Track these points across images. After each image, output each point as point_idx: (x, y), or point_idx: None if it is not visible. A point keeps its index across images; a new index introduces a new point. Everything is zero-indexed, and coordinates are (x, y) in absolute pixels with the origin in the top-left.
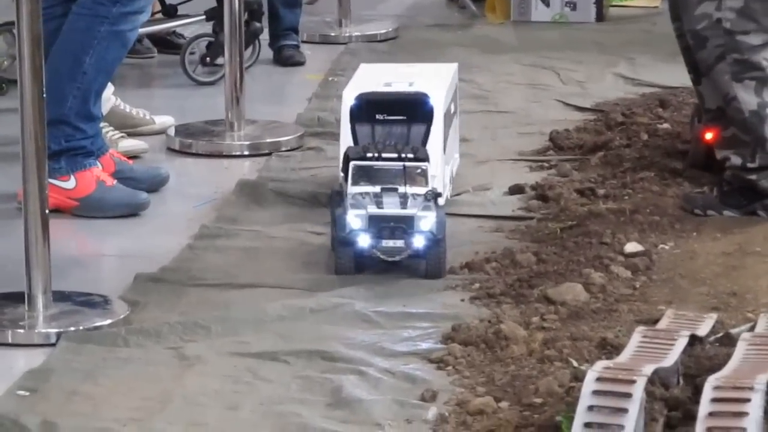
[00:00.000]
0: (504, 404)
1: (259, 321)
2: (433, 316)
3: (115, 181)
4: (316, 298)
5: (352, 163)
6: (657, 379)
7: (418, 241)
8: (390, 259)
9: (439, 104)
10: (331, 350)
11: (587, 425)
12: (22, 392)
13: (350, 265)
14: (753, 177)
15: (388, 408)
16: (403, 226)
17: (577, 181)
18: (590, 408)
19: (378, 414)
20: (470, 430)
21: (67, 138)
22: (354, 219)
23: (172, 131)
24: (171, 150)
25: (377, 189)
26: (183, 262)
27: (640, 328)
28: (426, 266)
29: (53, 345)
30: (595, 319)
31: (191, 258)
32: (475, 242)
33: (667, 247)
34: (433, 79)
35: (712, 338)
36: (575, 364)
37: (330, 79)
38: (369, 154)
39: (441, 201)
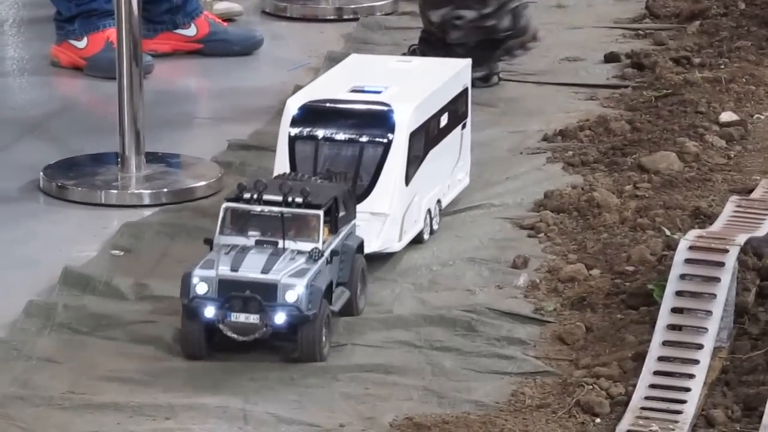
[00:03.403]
0: (595, 272)
1: None
2: (525, 183)
3: None
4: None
5: (223, 205)
6: (750, 248)
7: (279, 318)
8: (241, 338)
9: (404, 119)
10: None
11: (679, 294)
12: (115, 252)
13: (198, 343)
14: None
15: (478, 274)
16: (258, 296)
17: (673, 50)
18: (682, 277)
19: (469, 279)
20: (561, 297)
21: (78, 3)
22: (199, 282)
23: None
24: (265, 13)
25: (251, 242)
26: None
27: (734, 198)
28: (299, 345)
29: (146, 206)
30: (688, 188)
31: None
32: (570, 110)
33: (762, 117)
34: (419, 83)
35: None
36: (668, 232)
37: None
38: (246, 195)
39: (398, 246)
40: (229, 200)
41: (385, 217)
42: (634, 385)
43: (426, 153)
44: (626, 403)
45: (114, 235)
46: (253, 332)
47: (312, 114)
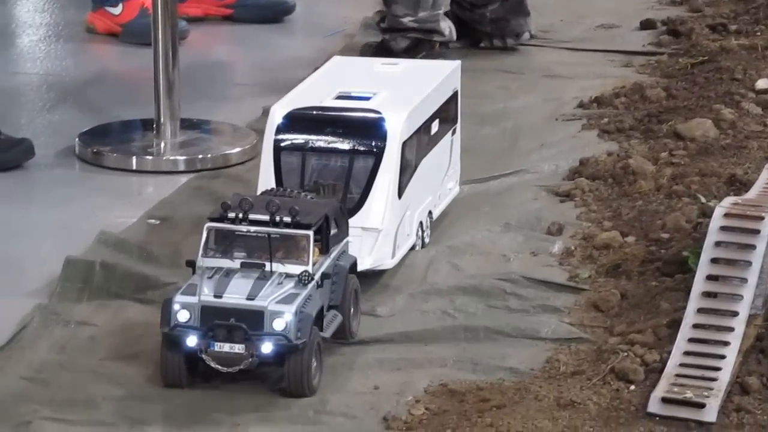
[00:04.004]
0: (630, 239)
1: None
2: (561, 150)
3: None
4: None
5: (206, 225)
6: None
7: (266, 347)
8: (225, 369)
9: (396, 128)
10: None
11: (714, 261)
12: (152, 221)
13: (178, 373)
14: None
15: (513, 240)
16: (243, 325)
17: (709, 17)
18: (717, 244)
19: (503, 246)
20: (596, 264)
21: None
22: (180, 310)
23: None
24: None
25: (236, 264)
26: None
27: None
28: (287, 376)
29: (181, 172)
30: (724, 155)
31: None
32: (605, 76)
33: None
34: (409, 88)
35: None
36: (703, 199)
37: None
38: (231, 214)
39: (391, 263)
40: (212, 220)
41: (378, 233)
42: (669, 352)
43: (418, 162)
44: (661, 370)
45: (151, 207)
46: (238, 363)
47: (298, 122)
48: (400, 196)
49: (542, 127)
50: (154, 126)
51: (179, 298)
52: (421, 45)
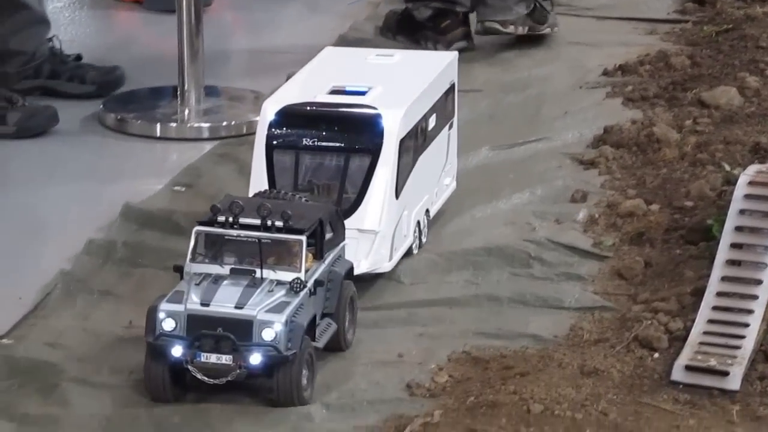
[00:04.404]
0: (654, 207)
1: None
2: (585, 118)
3: None
4: None
5: (195, 229)
6: None
7: (255, 358)
8: (212, 381)
9: (393, 125)
10: None
11: (738, 229)
12: (177, 188)
13: (162, 385)
14: None
15: (538, 208)
16: (231, 335)
17: None
18: (741, 212)
19: (528, 213)
20: (620, 232)
21: None
22: (165, 318)
23: None
24: None
25: (225, 270)
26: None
27: None
28: (276, 388)
29: (205, 139)
30: (748, 123)
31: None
32: (630, 44)
33: None
34: (405, 81)
35: None
36: (727, 168)
37: None
38: (220, 218)
39: (389, 265)
40: (201, 224)
41: (375, 235)
42: (693, 320)
43: (415, 160)
44: (685, 338)
45: (176, 174)
46: (226, 374)
47: (291, 119)
48: (397, 195)
49: (566, 94)
50: (178, 93)
51: (164, 306)
52: (444, 14)
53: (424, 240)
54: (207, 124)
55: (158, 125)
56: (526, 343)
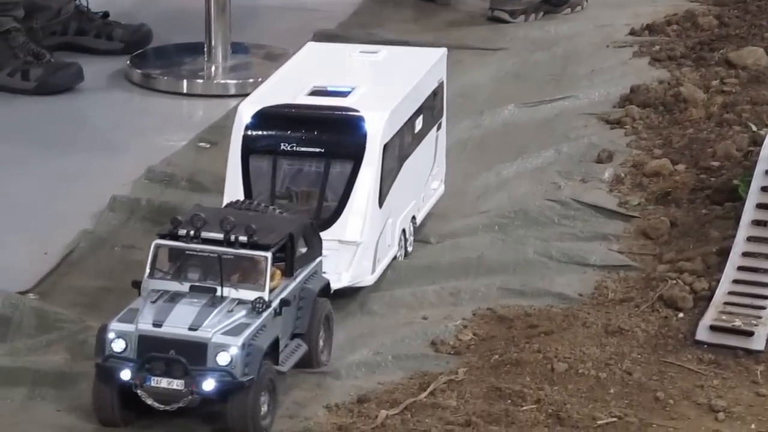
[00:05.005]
0: (680, 167)
1: None
2: (612, 77)
3: None
4: None
5: (154, 242)
6: None
7: (208, 384)
8: (162, 407)
9: (376, 129)
10: None
11: (764, 189)
12: (202, 144)
13: (111, 410)
14: None
15: (563, 167)
16: (182, 358)
17: None
18: (767, 172)
19: (553, 172)
20: (646, 191)
21: None
22: (115, 339)
23: None
24: None
25: (185, 288)
26: (360, 16)
27: None
28: (230, 416)
29: (231, 96)
30: None
31: (369, 11)
32: (657, 4)
33: None
34: (390, 81)
35: None
36: (754, 128)
37: None
38: (181, 231)
39: (371, 279)
40: (161, 236)
41: (356, 246)
42: (718, 280)
43: (400, 165)
44: (709, 298)
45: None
46: (177, 400)
47: (269, 122)
48: (381, 204)
49: (593, 54)
50: (205, 50)
51: (114, 326)
52: None
53: (410, 249)
54: (233, 81)
55: (185, 81)
56: (550, 302)
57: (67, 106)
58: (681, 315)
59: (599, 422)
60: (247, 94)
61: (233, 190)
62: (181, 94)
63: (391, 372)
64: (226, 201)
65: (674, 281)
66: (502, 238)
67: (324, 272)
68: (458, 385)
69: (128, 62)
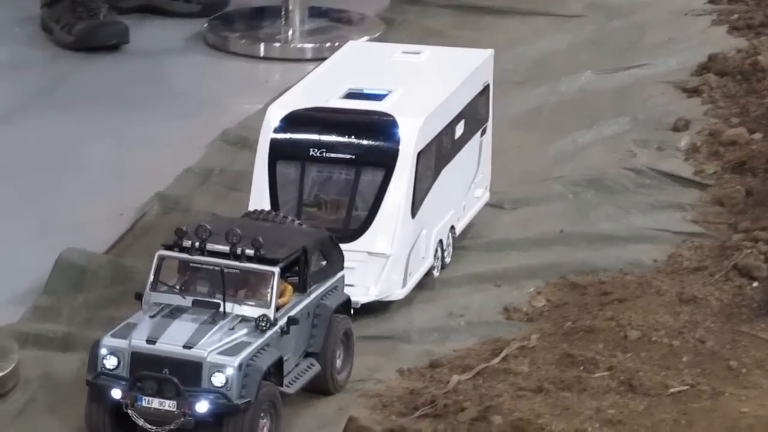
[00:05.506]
0: (757, 135)
1: None
2: (689, 45)
3: None
4: None
5: (157, 253)
6: None
7: (201, 406)
8: (153, 429)
9: (410, 136)
10: None
11: None
12: None
13: (104, 429)
14: None
15: (640, 135)
16: (174, 378)
17: None
18: None
19: (629, 140)
20: (722, 160)
21: None
22: (107, 355)
23: None
24: None
25: (188, 302)
26: None
27: None
28: None
29: (308, 60)
30: None
31: None
32: None
33: None
34: (430, 84)
35: None
36: None
37: None
38: (186, 242)
39: (401, 293)
40: (166, 247)
41: (386, 259)
42: None
43: (437, 173)
44: None
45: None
46: (169, 422)
47: (298, 127)
48: (413, 214)
49: (671, 21)
50: (283, 13)
51: (107, 341)
52: None
53: (447, 260)
54: (310, 45)
55: (262, 45)
56: (624, 269)
57: (144, 68)
58: (755, 284)
59: (671, 390)
60: (325, 59)
61: (259, 198)
62: (258, 57)
63: (463, 338)
64: (251, 208)
65: (749, 250)
66: (576, 204)
67: (352, 285)
68: (530, 351)
69: (205, 25)
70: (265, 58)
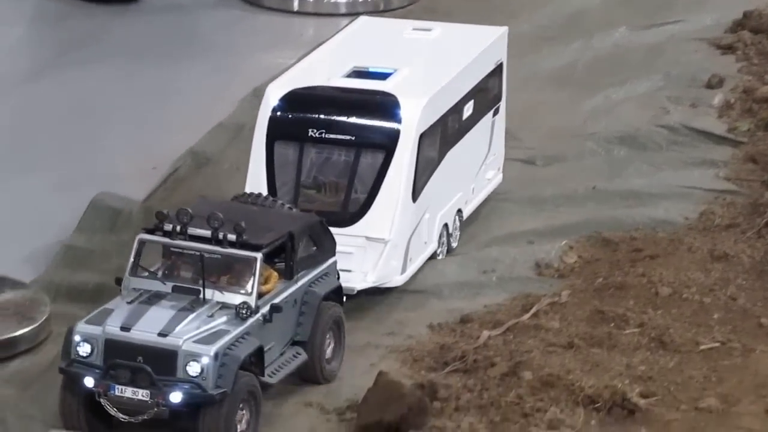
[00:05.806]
0: None
1: None
2: (724, 1)
3: None
4: None
5: (138, 237)
6: None
7: (175, 396)
8: (126, 418)
9: (412, 116)
10: None
11: None
12: None
13: (77, 417)
14: None
15: (673, 92)
16: (147, 367)
17: None
18: None
19: (662, 96)
20: (755, 117)
21: None
22: (81, 342)
23: None
24: None
25: (167, 288)
26: None
27: None
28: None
29: (342, 15)
30: None
31: None
32: None
33: None
34: (438, 62)
35: None
36: None
37: None
38: (167, 226)
39: (400, 279)
40: (147, 231)
41: (384, 244)
42: None
43: (443, 155)
44: None
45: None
46: (142, 412)
47: (297, 106)
48: (415, 198)
49: None
50: None
51: (81, 328)
52: None
53: (454, 245)
54: (344, 0)
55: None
56: (656, 226)
57: (178, 22)
58: None
59: (702, 347)
60: (359, 14)
61: (256, 179)
62: (292, 12)
63: (494, 294)
64: (247, 189)
65: None
66: (609, 161)
67: (349, 270)
68: (561, 307)
69: None
70: (299, 13)
